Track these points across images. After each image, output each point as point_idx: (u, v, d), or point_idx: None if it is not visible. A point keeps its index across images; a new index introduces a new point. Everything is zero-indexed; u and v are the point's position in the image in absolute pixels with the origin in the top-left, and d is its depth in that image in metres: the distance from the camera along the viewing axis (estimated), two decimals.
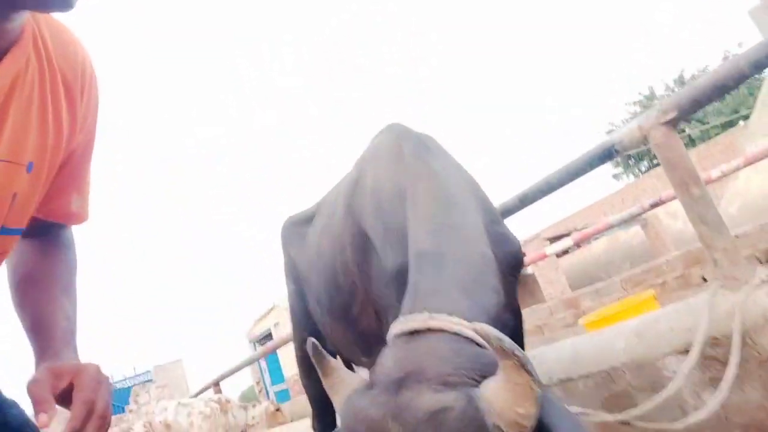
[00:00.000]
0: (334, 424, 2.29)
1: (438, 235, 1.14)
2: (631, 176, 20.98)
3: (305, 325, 2.12)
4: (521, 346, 1.55)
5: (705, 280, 3.03)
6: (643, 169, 20.52)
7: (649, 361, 1.69)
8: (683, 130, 17.29)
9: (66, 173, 0.92)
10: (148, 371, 12.44)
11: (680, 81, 19.54)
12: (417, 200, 1.21)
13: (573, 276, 13.72)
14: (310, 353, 1.03)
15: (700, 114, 17.92)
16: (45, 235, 0.98)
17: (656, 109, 1.56)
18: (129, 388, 11.95)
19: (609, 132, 20.19)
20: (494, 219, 1.40)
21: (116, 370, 15.84)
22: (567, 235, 12.33)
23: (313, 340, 1.03)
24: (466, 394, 0.78)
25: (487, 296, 1.08)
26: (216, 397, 5.78)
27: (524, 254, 1.56)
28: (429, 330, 0.91)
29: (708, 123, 16.92)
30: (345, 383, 0.97)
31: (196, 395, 7.07)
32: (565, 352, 1.99)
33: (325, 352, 1.02)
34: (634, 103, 20.23)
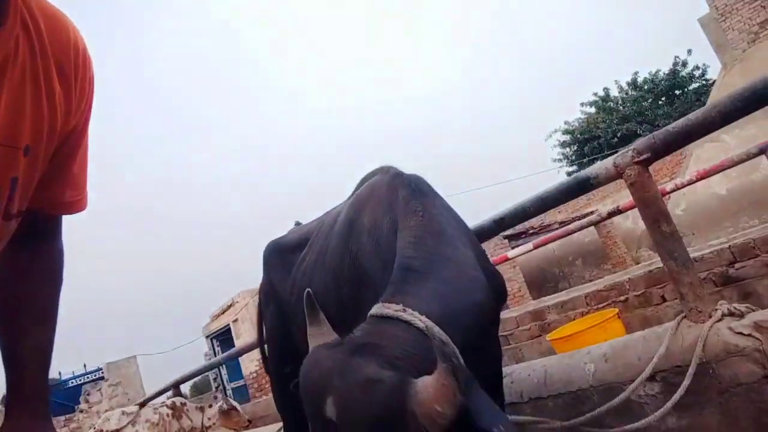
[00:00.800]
0: None
1: (427, 259, 1.22)
2: None
3: (286, 346, 2.12)
4: (499, 368, 1.62)
5: (665, 299, 3.21)
6: None
7: (617, 386, 1.78)
8: (635, 132, 17.99)
9: (60, 159, 0.89)
10: (100, 368, 12.00)
11: (633, 84, 20.25)
12: (410, 231, 1.28)
13: (527, 272, 14.12)
14: (306, 302, 1.18)
15: (650, 116, 18.70)
16: (33, 241, 0.94)
17: (631, 149, 1.64)
18: (80, 387, 11.53)
19: (565, 131, 20.78)
20: (482, 255, 1.46)
21: (65, 368, 15.27)
22: (524, 233, 12.68)
23: (309, 290, 1.20)
24: (401, 376, 0.90)
25: (465, 310, 1.17)
26: (169, 401, 5.53)
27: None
28: (398, 319, 1.05)
29: (658, 125, 17.64)
30: (323, 336, 1.12)
31: (153, 397, 6.89)
32: (537, 372, 2.07)
33: (317, 305, 1.18)
34: (590, 104, 20.82)
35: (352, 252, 1.50)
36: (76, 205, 0.98)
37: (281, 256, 2.21)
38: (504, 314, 5.05)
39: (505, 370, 2.27)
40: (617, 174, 1.69)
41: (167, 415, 5.20)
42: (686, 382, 1.56)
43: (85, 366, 12.75)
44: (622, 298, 3.55)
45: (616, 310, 3.27)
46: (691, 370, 1.56)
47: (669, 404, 1.59)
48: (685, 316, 1.67)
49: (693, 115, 1.51)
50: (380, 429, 0.87)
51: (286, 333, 2.10)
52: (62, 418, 10.49)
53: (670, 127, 1.54)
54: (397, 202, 1.38)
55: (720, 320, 1.58)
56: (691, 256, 1.83)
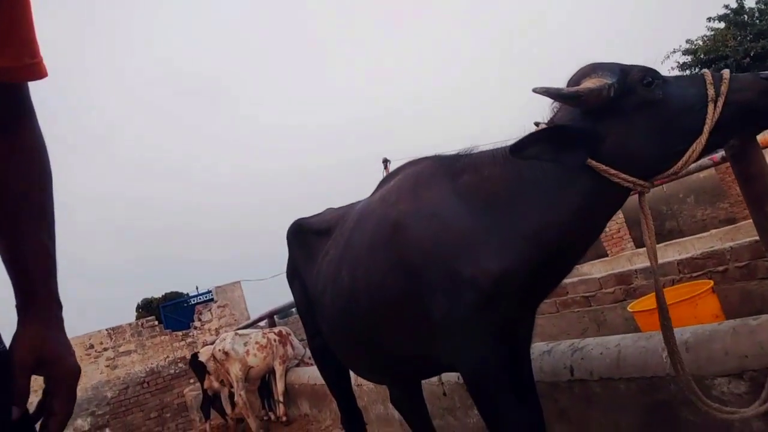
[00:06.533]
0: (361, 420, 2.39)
1: None
2: None
3: (313, 326, 2.24)
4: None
5: None
6: None
7: (698, 379, 1.61)
8: None
9: None
10: (209, 291, 13.36)
11: None
12: None
13: (629, 210, 13.15)
14: None
15: None
16: (5, 130, 0.83)
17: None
18: (193, 306, 12.88)
19: (686, 51, 18.53)
20: None
21: (181, 288, 17.04)
22: None
23: None
24: None
25: None
26: (277, 329, 6.16)
27: None
28: None
29: None
30: None
31: (254, 323, 7.51)
32: (611, 352, 1.93)
33: None
34: (719, 18, 18.16)
35: (404, 257, 1.52)
36: (33, 69, 0.81)
37: (304, 237, 2.27)
38: (587, 274, 4.82)
39: (577, 343, 2.16)
40: None
41: (275, 341, 5.84)
42: None
43: (197, 288, 14.18)
44: (720, 268, 3.15)
45: (711, 283, 2.89)
46: None
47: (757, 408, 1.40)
48: None
49: None
50: None
51: (311, 311, 2.18)
52: (180, 333, 11.86)
53: None
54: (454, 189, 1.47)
55: None
56: None
